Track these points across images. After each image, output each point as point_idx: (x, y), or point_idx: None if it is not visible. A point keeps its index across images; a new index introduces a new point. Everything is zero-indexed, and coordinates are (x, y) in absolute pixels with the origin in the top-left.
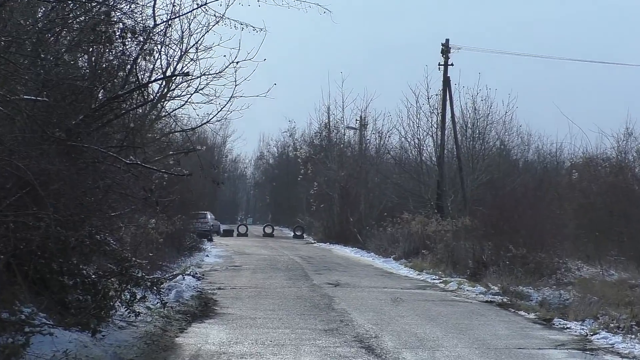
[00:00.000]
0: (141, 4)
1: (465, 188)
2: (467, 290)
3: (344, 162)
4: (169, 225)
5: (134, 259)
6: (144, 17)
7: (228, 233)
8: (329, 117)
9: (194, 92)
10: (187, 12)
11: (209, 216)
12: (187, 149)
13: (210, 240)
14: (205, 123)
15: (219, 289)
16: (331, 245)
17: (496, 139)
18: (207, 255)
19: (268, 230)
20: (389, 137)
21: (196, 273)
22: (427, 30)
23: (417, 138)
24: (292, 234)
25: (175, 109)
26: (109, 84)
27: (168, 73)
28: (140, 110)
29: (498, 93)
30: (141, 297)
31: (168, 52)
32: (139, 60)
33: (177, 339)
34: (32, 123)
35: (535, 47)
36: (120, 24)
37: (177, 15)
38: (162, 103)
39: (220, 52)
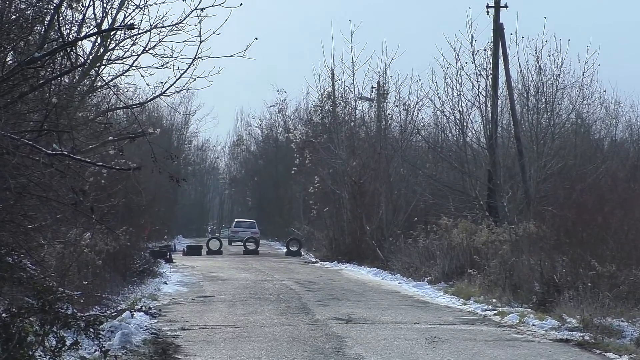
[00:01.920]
0: None
1: (528, 180)
2: (533, 324)
3: (356, 147)
4: (111, 242)
5: (61, 289)
6: None
7: (194, 251)
8: (333, 85)
9: (142, 53)
10: None
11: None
12: (133, 133)
13: (169, 260)
14: (158, 96)
15: (183, 329)
16: (340, 264)
17: (570, 110)
18: (166, 283)
19: (251, 245)
20: (419, 110)
21: (150, 308)
22: None
23: (459, 111)
24: (285, 249)
25: (116, 77)
26: (20, 42)
27: (105, 26)
28: (67, 80)
29: (572, 45)
30: (72, 344)
31: None
32: (63, 8)
33: None
34: None
35: None
36: None
37: None
38: (97, 69)
39: None
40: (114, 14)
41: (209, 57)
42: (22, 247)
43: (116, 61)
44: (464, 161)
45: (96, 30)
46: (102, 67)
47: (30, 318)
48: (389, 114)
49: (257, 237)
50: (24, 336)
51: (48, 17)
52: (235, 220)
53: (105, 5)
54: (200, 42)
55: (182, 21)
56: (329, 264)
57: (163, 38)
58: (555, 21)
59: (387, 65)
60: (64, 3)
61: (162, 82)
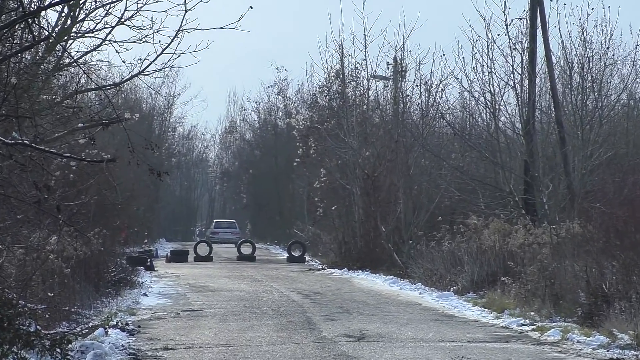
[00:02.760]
0: None
1: (572, 172)
2: (578, 341)
3: (370, 134)
4: (81, 246)
5: (22, 302)
6: None
7: (179, 256)
8: (342, 61)
9: (117, 24)
10: None
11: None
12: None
13: (150, 268)
14: (136, 75)
15: (166, 349)
16: (351, 272)
17: (621, 90)
18: (146, 294)
19: (245, 250)
20: (443, 91)
21: (127, 324)
22: None
23: (490, 92)
24: (287, 254)
25: (87, 53)
26: None
27: None
28: (29, 57)
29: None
30: None
31: None
32: None
33: None
34: None
35: None
36: None
37: None
38: (63, 43)
39: None
40: None
41: (195, 29)
42: None
43: (86, 34)
44: (496, 150)
45: None
46: (70, 41)
47: None
48: (408, 96)
49: (238, 238)
50: None
51: None
52: (215, 220)
53: None
54: (186, 11)
55: None
56: (337, 271)
57: (141, 7)
58: None
59: (405, 38)
60: None
61: (140, 59)
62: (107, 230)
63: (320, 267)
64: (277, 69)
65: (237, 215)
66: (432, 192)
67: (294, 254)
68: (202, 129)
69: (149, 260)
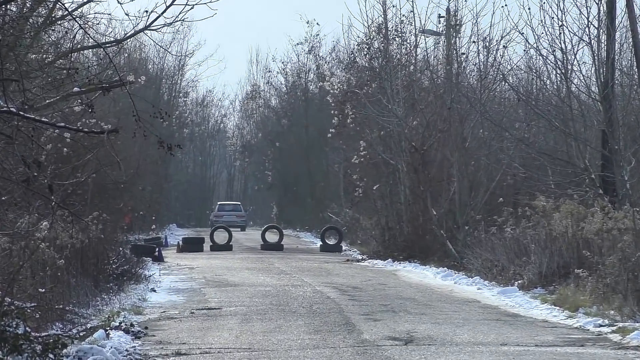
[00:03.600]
0: None
1: None
2: None
3: (418, 99)
4: (77, 233)
5: (8, 299)
6: None
7: (193, 245)
8: (385, 13)
9: None
10: None
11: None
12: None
13: (159, 259)
14: (142, 30)
15: (178, 354)
16: (396, 263)
17: None
18: (154, 290)
19: (271, 237)
20: (505, 48)
21: (132, 325)
22: None
23: (561, 49)
24: (320, 243)
25: (83, 4)
26: None
27: None
28: (14, 9)
29: None
30: None
31: None
32: None
33: None
34: None
35: None
36: None
37: None
38: None
39: None
40: None
41: None
42: None
43: None
44: (569, 119)
45: None
46: None
47: None
48: (463, 54)
49: (244, 222)
50: None
51: None
52: (218, 203)
53: None
54: None
55: None
56: (380, 262)
57: None
58: None
59: None
60: None
61: (146, 12)
62: (107, 215)
63: (360, 258)
64: (307, 22)
65: (260, 196)
66: (492, 168)
67: (329, 242)
68: (219, 95)
69: (157, 249)
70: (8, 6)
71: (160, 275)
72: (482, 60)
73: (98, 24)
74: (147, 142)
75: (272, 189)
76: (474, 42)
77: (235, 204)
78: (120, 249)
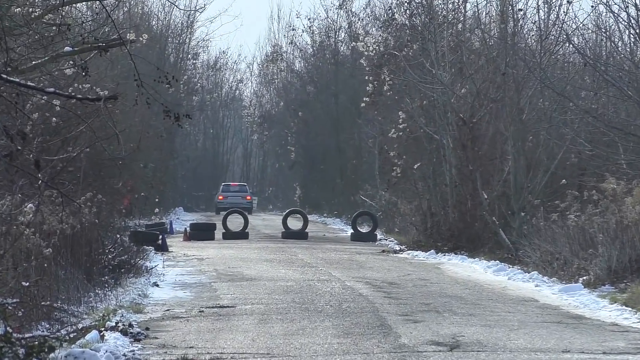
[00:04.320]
0: None
1: None
2: None
3: (467, 64)
4: (68, 218)
5: None
6: None
7: (203, 232)
8: None
9: None
10: None
11: None
12: (104, 41)
13: (163, 249)
14: None
15: None
16: (440, 255)
17: None
18: (157, 284)
19: (294, 224)
20: (570, 4)
21: (131, 325)
22: None
23: (635, 5)
24: (351, 231)
25: None
26: None
27: None
28: None
29: None
30: None
31: None
32: None
33: None
34: None
35: None
36: None
37: None
38: None
39: None
40: None
41: None
42: None
43: None
44: None
45: None
46: None
47: None
48: (520, 10)
49: (250, 204)
50: None
51: None
52: (223, 184)
53: None
54: None
55: None
56: (421, 254)
57: None
58: None
59: None
60: None
61: None
62: (103, 196)
63: (398, 249)
64: None
65: (281, 176)
66: (554, 144)
67: (361, 230)
68: (235, 57)
69: (160, 237)
70: None
71: (164, 267)
72: (543, 17)
73: None
74: (151, 111)
75: (295, 168)
76: None
77: (242, 184)
78: (118, 236)
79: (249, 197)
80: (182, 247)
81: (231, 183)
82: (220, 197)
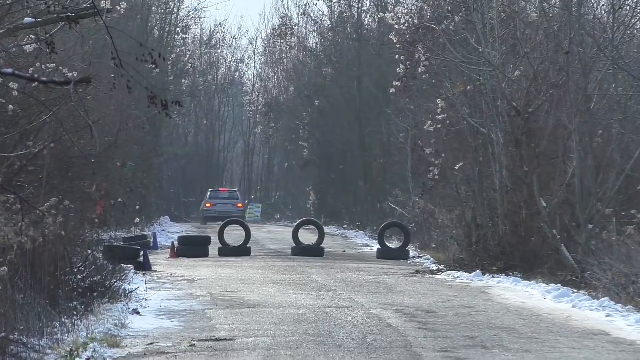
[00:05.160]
0: None
1: None
2: None
3: (521, 39)
4: (27, 229)
5: None
6: None
7: (194, 247)
8: None
9: None
10: None
11: None
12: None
13: (144, 267)
14: None
15: None
16: (487, 277)
17: None
18: (137, 311)
19: (306, 236)
20: None
21: None
22: None
23: None
24: (377, 246)
25: None
26: None
27: None
28: None
29: None
30: None
31: None
32: None
33: None
34: None
35: None
36: None
37: None
38: None
39: None
40: None
41: None
42: None
43: None
44: None
45: None
46: None
47: None
48: None
49: (241, 212)
50: None
51: None
52: (210, 190)
53: None
54: None
55: None
56: (464, 275)
57: None
58: None
59: None
60: None
61: None
62: (71, 202)
63: (435, 268)
64: None
65: (291, 178)
66: (629, 140)
67: (390, 245)
68: (234, 31)
69: (141, 253)
70: None
71: (146, 291)
72: None
73: None
74: (131, 97)
75: (308, 168)
76: None
77: (232, 190)
78: (89, 251)
79: (240, 205)
80: (168, 266)
81: (220, 189)
82: (208, 205)
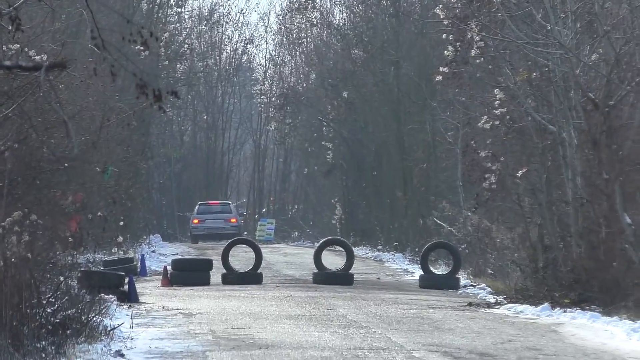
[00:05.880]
0: None
1: None
2: None
3: (599, 15)
4: None
5: None
6: None
7: (192, 273)
8: None
9: None
10: None
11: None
12: None
13: (130, 297)
14: None
15: None
16: (558, 311)
17: None
18: (121, 354)
19: (332, 260)
20: None
21: None
22: None
23: None
24: (419, 272)
25: None
26: None
27: None
28: None
29: None
30: None
31: None
32: None
33: None
34: None
35: None
36: None
37: None
38: None
39: None
40: None
41: None
42: None
43: None
44: None
45: None
46: None
47: None
48: None
49: (235, 230)
50: None
51: None
52: (199, 203)
53: None
54: None
55: None
56: (529, 309)
57: None
58: None
59: None
60: None
61: None
62: (39, 217)
63: (492, 301)
64: None
65: (313, 187)
66: None
67: (435, 272)
68: (241, 4)
69: (126, 280)
70: None
71: (132, 328)
72: None
73: None
74: (115, 86)
75: (334, 175)
76: None
77: (224, 203)
78: (62, 278)
79: (234, 220)
80: (160, 296)
81: (209, 202)
82: (195, 221)
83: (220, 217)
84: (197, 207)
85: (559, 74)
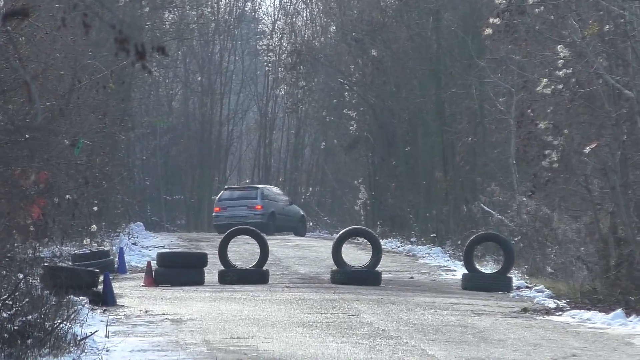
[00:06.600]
0: None
1: None
2: None
3: None
4: None
5: None
6: None
7: (181, 270)
8: None
9: None
10: None
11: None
12: None
13: (105, 299)
14: None
15: None
16: (633, 319)
17: None
18: None
19: (354, 254)
20: None
21: None
22: None
23: None
24: (462, 270)
25: None
26: None
27: None
28: None
29: None
30: None
31: None
32: None
33: None
34: None
35: None
36: None
37: None
38: None
39: None
40: None
41: None
42: None
43: None
44: None
45: None
46: None
47: None
48: None
49: (261, 219)
50: None
51: None
52: (225, 188)
53: None
54: None
55: None
56: (598, 316)
57: None
58: None
59: None
60: None
61: None
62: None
63: (553, 306)
64: None
65: (333, 166)
66: None
67: (482, 270)
68: None
69: (101, 278)
70: None
71: (108, 337)
72: None
73: None
74: (87, 40)
75: (358, 151)
76: None
77: (251, 187)
78: (20, 276)
79: (259, 207)
80: (142, 298)
81: (237, 187)
82: (216, 209)
83: (243, 203)
84: (221, 192)
85: (638, 26)
